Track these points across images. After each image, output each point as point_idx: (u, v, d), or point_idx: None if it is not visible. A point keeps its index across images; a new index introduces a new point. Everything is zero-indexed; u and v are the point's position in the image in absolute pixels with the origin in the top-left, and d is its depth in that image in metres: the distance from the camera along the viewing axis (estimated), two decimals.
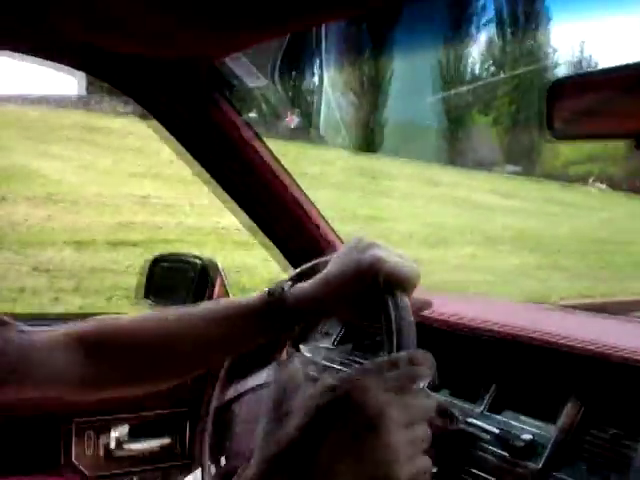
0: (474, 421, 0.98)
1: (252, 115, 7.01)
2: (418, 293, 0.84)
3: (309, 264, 1.03)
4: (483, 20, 14.20)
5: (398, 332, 0.78)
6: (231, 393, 1.13)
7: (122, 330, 0.98)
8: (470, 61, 14.33)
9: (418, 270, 0.89)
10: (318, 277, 0.92)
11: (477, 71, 14.63)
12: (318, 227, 1.46)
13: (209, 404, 1.16)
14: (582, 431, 0.90)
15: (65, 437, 1.43)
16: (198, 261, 1.54)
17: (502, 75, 14.48)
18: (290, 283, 0.93)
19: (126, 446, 1.48)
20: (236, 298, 0.98)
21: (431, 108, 14.25)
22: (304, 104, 12.37)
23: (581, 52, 13.81)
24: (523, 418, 0.97)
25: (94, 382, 1.00)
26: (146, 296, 1.55)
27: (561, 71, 15.01)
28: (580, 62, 13.46)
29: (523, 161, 14.60)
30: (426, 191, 12.02)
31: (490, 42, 14.33)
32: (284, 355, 1.08)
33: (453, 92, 14.01)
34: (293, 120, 12.23)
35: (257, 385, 1.07)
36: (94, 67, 1.28)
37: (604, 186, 13.74)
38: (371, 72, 13.35)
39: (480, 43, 14.51)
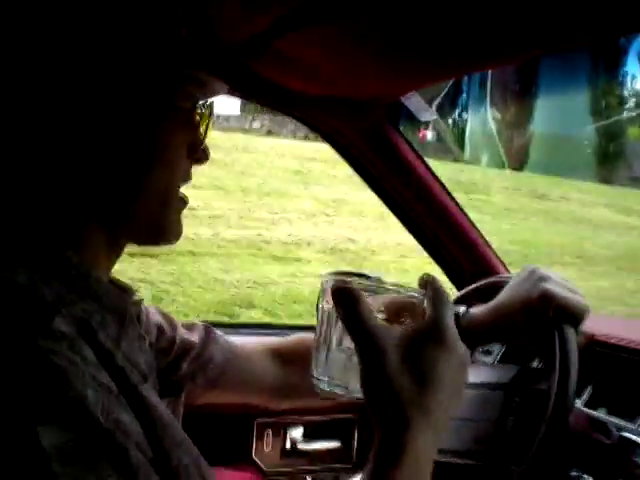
0: (630, 435, 1.02)
1: None
2: None
3: (471, 287, 1.11)
4: None
5: (561, 369, 0.84)
6: None
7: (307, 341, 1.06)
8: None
9: (587, 304, 0.95)
10: (490, 305, 0.99)
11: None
12: (481, 251, 1.54)
13: None
14: None
15: (247, 435, 1.59)
16: None
17: None
18: (465, 309, 1.01)
19: (300, 446, 1.60)
20: None
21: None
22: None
23: None
24: None
25: (283, 391, 1.08)
26: None
27: None
28: None
29: None
30: (528, 205, 11.35)
31: None
32: None
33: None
34: (426, 135, 12.15)
35: None
36: (281, 104, 1.45)
37: None
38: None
39: None
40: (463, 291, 1.12)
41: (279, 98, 1.37)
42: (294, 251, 8.22)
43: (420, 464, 0.60)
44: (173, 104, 0.69)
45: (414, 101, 1.31)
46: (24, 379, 0.53)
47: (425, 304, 0.66)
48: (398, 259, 8.13)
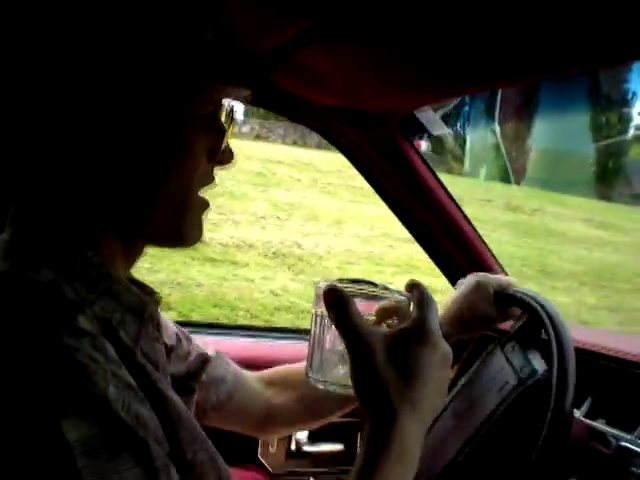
0: (628, 445, 1.04)
1: None
2: None
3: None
4: None
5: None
6: None
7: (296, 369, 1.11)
8: None
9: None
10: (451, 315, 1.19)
11: None
12: (478, 250, 1.58)
13: None
14: None
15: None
16: None
17: None
18: None
19: (305, 448, 1.64)
20: None
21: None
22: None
23: None
24: None
25: (277, 416, 1.11)
26: None
27: None
28: None
29: None
30: (500, 217, 11.10)
31: None
32: None
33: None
34: (421, 145, 12.10)
35: None
36: (297, 114, 1.48)
37: None
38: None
39: None
40: None
41: (295, 108, 1.41)
42: (232, 254, 8.02)
43: (407, 451, 0.64)
44: (192, 109, 0.70)
45: (427, 115, 1.35)
46: (48, 375, 0.55)
47: (411, 306, 0.71)
48: (344, 265, 8.01)
